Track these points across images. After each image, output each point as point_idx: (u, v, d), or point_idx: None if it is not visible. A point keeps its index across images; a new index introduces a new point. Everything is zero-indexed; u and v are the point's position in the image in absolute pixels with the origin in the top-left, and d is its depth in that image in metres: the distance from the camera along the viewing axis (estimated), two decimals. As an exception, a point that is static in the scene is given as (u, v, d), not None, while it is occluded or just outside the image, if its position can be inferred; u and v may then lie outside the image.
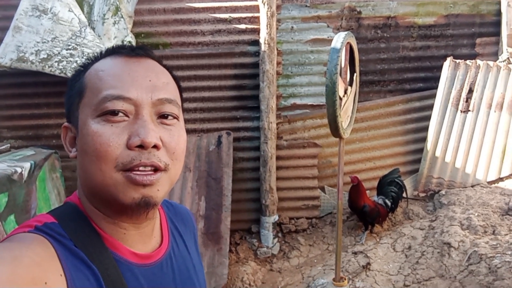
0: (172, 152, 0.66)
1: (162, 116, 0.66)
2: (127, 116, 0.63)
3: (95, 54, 0.71)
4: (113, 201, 0.63)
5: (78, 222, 0.65)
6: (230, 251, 3.31)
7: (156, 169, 0.63)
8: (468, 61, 3.56)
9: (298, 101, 3.64)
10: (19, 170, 2.26)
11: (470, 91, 3.56)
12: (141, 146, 0.61)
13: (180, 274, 0.75)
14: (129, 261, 0.66)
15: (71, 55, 3.03)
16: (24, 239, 0.58)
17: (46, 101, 3.46)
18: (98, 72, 0.66)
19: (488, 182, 3.54)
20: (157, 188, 0.64)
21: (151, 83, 0.65)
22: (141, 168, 0.62)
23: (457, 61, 3.55)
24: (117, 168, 0.61)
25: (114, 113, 0.62)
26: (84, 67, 0.70)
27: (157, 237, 0.75)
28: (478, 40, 3.70)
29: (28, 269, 0.52)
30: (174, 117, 0.68)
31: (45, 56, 3.02)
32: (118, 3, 3.25)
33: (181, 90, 0.74)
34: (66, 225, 0.63)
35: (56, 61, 3.02)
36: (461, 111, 3.57)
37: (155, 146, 0.62)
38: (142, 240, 0.71)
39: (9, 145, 3.07)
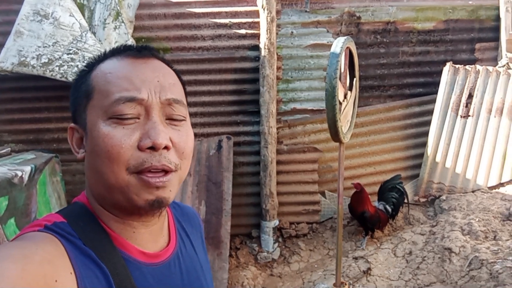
0: (181, 152, 0.67)
1: (171, 116, 0.67)
2: (137, 117, 0.64)
3: (99, 54, 0.71)
4: (126, 202, 0.64)
5: (87, 221, 0.66)
6: (230, 255, 3.30)
7: (166, 171, 0.64)
8: (467, 66, 3.57)
9: (298, 105, 3.65)
10: (19, 173, 2.26)
11: (470, 96, 3.57)
12: (152, 148, 0.62)
13: (188, 274, 0.76)
14: (137, 260, 0.67)
15: (72, 60, 3.04)
16: (34, 237, 0.58)
17: (47, 105, 3.47)
18: (106, 74, 0.66)
19: (489, 188, 3.53)
20: (170, 189, 0.65)
21: (159, 83, 0.66)
22: (152, 171, 0.63)
23: (457, 66, 3.56)
24: (129, 170, 0.62)
25: (125, 115, 0.63)
26: (89, 68, 0.70)
27: (165, 236, 0.76)
28: (477, 46, 3.71)
29: (39, 266, 0.52)
30: (182, 117, 0.69)
31: (46, 60, 3.03)
32: (118, 8, 3.27)
33: (185, 89, 0.75)
34: (75, 224, 0.64)
35: (57, 66, 3.03)
36: (461, 116, 3.57)
37: (166, 147, 0.63)
38: (152, 239, 0.71)
39: (9, 149, 3.07)
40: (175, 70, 0.73)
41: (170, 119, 0.67)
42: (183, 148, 0.67)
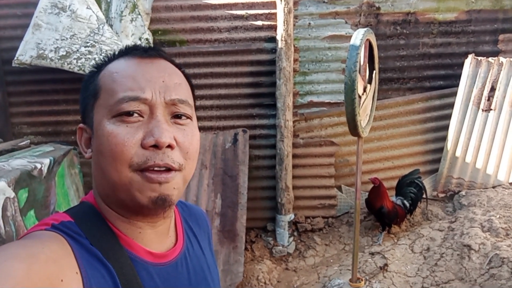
0: (186, 151, 0.66)
1: (176, 116, 0.67)
2: (141, 116, 0.64)
3: (108, 55, 0.72)
4: (129, 200, 0.64)
5: (94, 221, 0.66)
6: (246, 249, 3.30)
7: (169, 169, 0.64)
8: (490, 59, 3.46)
9: (315, 98, 3.60)
10: (38, 166, 2.28)
11: (492, 89, 3.47)
12: (156, 146, 0.62)
13: (195, 274, 0.76)
14: (144, 260, 0.67)
15: (90, 52, 3.05)
16: (41, 236, 0.59)
17: (65, 98, 3.51)
18: (112, 73, 0.67)
19: (510, 183, 3.44)
20: (173, 186, 0.64)
21: (164, 83, 0.66)
22: (155, 169, 0.63)
23: (479, 58, 3.46)
24: (132, 168, 0.62)
25: (129, 113, 0.63)
26: (98, 68, 0.71)
27: (172, 236, 0.76)
28: (501, 37, 3.59)
29: (44, 266, 0.52)
30: (187, 117, 0.69)
31: (64, 53, 3.04)
32: (135, 0, 3.26)
33: (193, 88, 0.75)
34: (82, 224, 0.64)
35: (74, 58, 3.04)
36: (483, 110, 3.48)
37: (169, 146, 0.63)
38: (158, 239, 0.71)
39: (29, 141, 3.11)
40: (182, 71, 0.73)
41: (175, 118, 0.67)
42: (188, 147, 0.67)
